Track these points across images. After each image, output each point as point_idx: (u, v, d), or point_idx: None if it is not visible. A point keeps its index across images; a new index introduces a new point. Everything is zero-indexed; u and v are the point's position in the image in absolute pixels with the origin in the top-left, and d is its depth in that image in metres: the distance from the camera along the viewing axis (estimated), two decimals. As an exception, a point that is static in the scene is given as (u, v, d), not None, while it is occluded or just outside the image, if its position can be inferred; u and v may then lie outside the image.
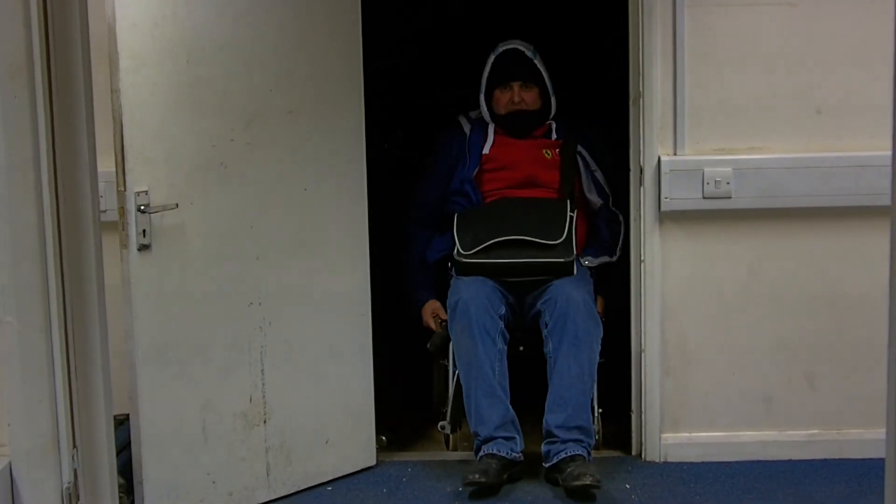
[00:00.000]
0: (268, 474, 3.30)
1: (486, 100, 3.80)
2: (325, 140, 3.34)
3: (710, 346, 3.57)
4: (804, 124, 3.47)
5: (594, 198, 3.78)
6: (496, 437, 3.38)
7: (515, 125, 3.78)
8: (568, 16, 4.86)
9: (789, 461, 3.54)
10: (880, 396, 1.66)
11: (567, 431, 3.34)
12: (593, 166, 3.79)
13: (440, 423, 3.66)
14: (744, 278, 3.54)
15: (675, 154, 3.47)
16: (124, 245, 2.95)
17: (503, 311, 3.52)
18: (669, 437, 3.59)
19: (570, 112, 3.88)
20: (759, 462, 3.54)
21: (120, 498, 2.83)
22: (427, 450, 3.80)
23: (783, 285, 3.54)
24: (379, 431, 3.60)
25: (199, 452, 3.15)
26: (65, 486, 2.15)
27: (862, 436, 3.53)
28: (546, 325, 3.47)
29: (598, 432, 3.55)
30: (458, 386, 3.53)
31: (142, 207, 2.94)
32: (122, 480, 2.91)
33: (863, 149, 3.42)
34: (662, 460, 3.58)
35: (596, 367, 3.46)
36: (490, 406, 3.40)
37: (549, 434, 3.37)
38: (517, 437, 3.41)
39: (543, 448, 3.38)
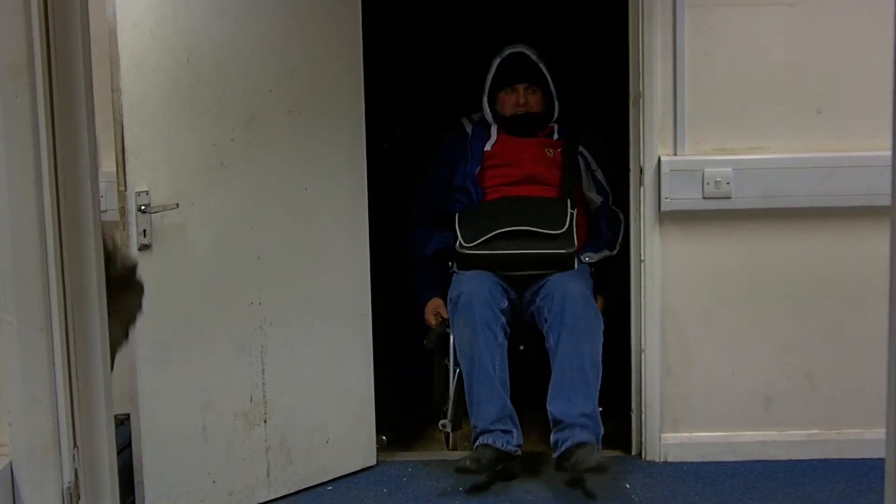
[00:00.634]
0: (268, 474, 3.30)
1: (489, 102, 3.82)
2: (326, 140, 3.35)
3: (710, 346, 3.57)
4: (804, 124, 3.47)
5: (594, 196, 3.79)
6: (493, 430, 3.40)
7: (520, 127, 3.79)
8: (568, 16, 4.86)
9: (789, 461, 3.54)
10: (880, 396, 1.65)
11: (572, 419, 3.34)
12: (594, 166, 3.80)
13: (441, 422, 3.67)
14: (744, 278, 3.54)
15: (675, 154, 3.47)
16: (125, 245, 2.95)
17: (504, 305, 3.53)
18: (669, 436, 3.59)
19: (571, 115, 3.89)
20: (758, 462, 3.54)
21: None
22: (427, 449, 3.81)
23: (783, 285, 3.54)
24: (379, 431, 3.61)
25: (200, 452, 3.15)
26: (65, 485, 2.15)
27: (862, 436, 3.53)
28: (546, 321, 3.48)
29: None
30: (459, 384, 3.54)
31: (142, 207, 2.94)
32: None
33: (863, 149, 3.42)
34: (662, 460, 3.59)
35: (599, 358, 3.44)
36: (489, 400, 3.42)
37: (555, 423, 3.37)
38: (514, 430, 3.42)
39: (552, 438, 3.38)
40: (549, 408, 3.39)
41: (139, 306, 2.43)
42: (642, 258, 3.51)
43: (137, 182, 2.94)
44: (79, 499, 2.17)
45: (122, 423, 3.04)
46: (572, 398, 3.36)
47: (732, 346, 3.57)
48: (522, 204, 3.71)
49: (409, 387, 4.19)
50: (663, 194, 3.45)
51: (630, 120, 3.51)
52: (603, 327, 3.49)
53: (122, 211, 2.94)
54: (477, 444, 3.39)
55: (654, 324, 3.54)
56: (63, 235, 2.07)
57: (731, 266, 3.54)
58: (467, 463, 3.32)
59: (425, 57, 5.00)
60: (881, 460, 1.62)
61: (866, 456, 3.45)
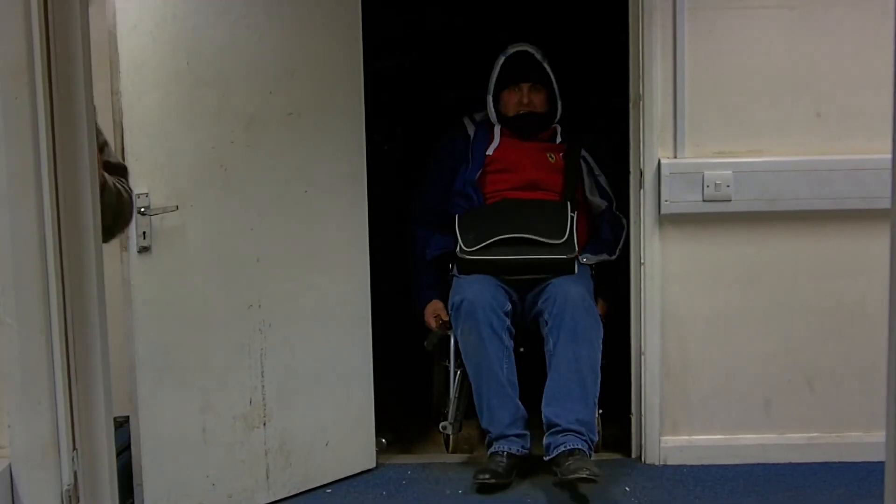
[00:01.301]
0: (267, 476, 3.30)
1: (493, 101, 3.81)
2: (326, 142, 3.34)
3: (710, 349, 3.57)
4: (804, 127, 3.47)
5: (597, 200, 3.78)
6: (508, 435, 3.42)
7: (523, 126, 3.78)
8: (567, 18, 4.86)
9: (789, 464, 3.54)
10: (880, 399, 1.65)
11: (566, 424, 3.34)
12: (597, 171, 3.80)
13: (442, 424, 3.66)
14: (744, 281, 3.54)
15: (675, 157, 3.47)
16: (124, 247, 2.95)
17: (508, 308, 3.53)
18: (669, 439, 3.59)
19: (573, 118, 3.89)
20: (758, 465, 3.54)
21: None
22: (427, 452, 3.80)
23: (783, 288, 3.54)
24: (379, 433, 3.60)
25: (199, 454, 3.15)
26: (65, 488, 2.14)
27: (861, 439, 3.53)
28: (546, 324, 3.48)
29: (598, 434, 3.55)
30: (460, 386, 3.54)
31: (142, 209, 2.94)
32: None
33: (862, 152, 3.42)
34: (662, 463, 3.58)
35: (598, 364, 3.45)
36: (501, 405, 3.43)
37: (549, 426, 3.38)
38: (527, 433, 3.46)
39: (544, 441, 3.39)
40: (543, 411, 3.39)
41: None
42: (642, 261, 3.51)
43: (137, 184, 2.93)
44: (78, 501, 2.16)
45: (122, 426, 3.04)
46: (568, 403, 3.37)
47: (732, 349, 3.57)
48: (523, 207, 3.70)
49: (409, 389, 4.18)
50: (663, 197, 3.45)
51: (630, 123, 3.51)
52: (602, 333, 3.49)
53: (122, 213, 2.94)
54: (491, 450, 3.40)
55: (654, 326, 3.54)
56: (63, 237, 2.07)
57: (730, 268, 3.54)
58: (486, 477, 3.33)
59: (426, 57, 5.00)
60: (881, 464, 1.61)
61: (866, 459, 3.45)
